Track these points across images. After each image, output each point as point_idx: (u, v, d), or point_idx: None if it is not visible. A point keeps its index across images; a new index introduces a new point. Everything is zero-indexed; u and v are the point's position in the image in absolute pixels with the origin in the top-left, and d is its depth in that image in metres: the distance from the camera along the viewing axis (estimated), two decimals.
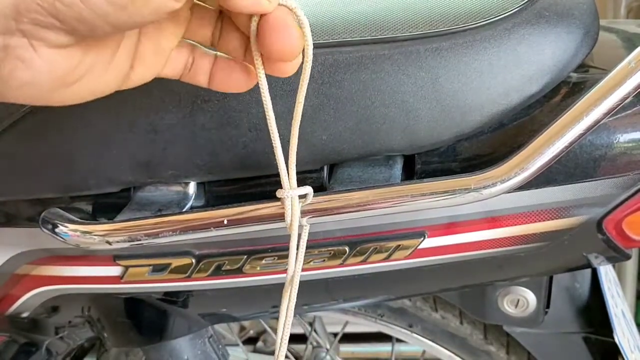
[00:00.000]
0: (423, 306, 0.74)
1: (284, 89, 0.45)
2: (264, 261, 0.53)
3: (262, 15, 0.34)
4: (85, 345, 0.79)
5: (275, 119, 0.42)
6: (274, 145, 0.40)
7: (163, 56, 0.37)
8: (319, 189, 0.46)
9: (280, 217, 0.43)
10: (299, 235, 0.43)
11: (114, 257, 0.53)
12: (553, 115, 0.43)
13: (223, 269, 0.53)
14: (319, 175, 0.49)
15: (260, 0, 0.32)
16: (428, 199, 0.44)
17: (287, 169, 0.41)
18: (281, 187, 0.41)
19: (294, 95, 0.44)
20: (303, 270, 0.44)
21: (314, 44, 0.44)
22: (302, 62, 0.37)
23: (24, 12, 0.29)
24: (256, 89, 0.44)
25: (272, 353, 1.13)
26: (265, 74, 0.37)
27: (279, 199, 0.42)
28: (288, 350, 0.92)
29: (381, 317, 0.75)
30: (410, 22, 0.45)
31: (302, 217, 0.44)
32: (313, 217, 0.45)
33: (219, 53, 0.39)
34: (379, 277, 0.54)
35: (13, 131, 0.48)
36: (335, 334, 1.02)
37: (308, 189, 0.42)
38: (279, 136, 0.42)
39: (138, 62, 0.36)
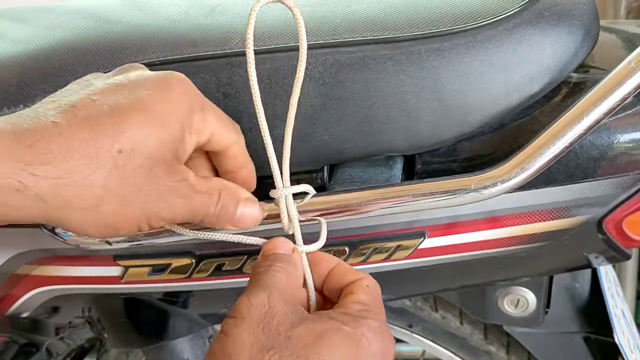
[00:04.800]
0: (423, 306, 0.74)
1: (284, 89, 0.45)
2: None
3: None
4: (86, 346, 0.79)
5: (276, 119, 0.43)
6: (265, 143, 0.40)
7: None
8: (320, 189, 0.46)
9: (276, 217, 0.43)
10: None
11: (114, 257, 0.53)
12: (553, 116, 0.43)
13: (223, 269, 0.53)
14: (319, 175, 0.49)
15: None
16: (428, 199, 0.44)
17: (280, 168, 0.41)
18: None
19: (290, 96, 0.44)
20: None
21: (314, 44, 0.44)
22: (298, 62, 0.38)
23: None
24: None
25: None
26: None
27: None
28: None
29: None
30: (411, 22, 0.45)
31: (302, 216, 0.44)
32: (313, 217, 0.44)
33: None
34: (379, 277, 0.53)
35: None
36: None
37: (305, 187, 0.42)
38: (280, 137, 0.42)
39: None
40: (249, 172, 0.43)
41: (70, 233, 0.47)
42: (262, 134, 0.40)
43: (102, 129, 0.33)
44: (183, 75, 0.39)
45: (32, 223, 0.34)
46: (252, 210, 0.41)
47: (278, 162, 0.41)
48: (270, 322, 0.35)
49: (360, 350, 0.36)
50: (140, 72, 0.38)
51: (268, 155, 0.40)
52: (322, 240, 0.43)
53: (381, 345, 0.37)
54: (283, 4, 0.38)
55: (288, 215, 0.42)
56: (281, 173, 0.41)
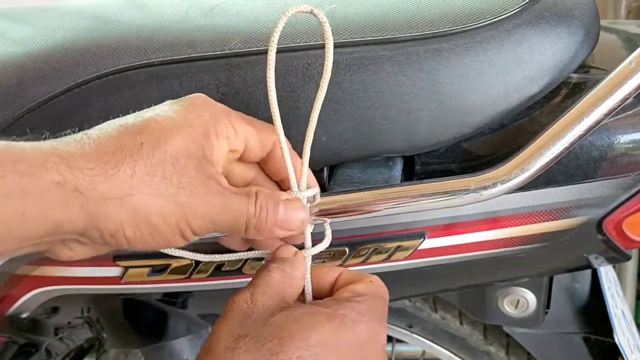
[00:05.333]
0: (423, 306, 0.74)
1: (284, 89, 0.44)
2: (263, 262, 0.52)
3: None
4: (85, 346, 0.79)
5: (282, 121, 0.42)
6: (281, 147, 0.40)
7: None
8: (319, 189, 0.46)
9: None
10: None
11: (114, 258, 0.53)
12: (553, 116, 0.43)
13: (223, 269, 0.53)
14: (319, 176, 0.49)
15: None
16: (428, 200, 0.44)
17: (296, 171, 0.41)
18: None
19: (293, 96, 0.44)
20: None
21: (313, 45, 0.44)
22: (324, 64, 0.39)
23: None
24: (256, 89, 0.44)
25: None
26: None
27: None
28: None
29: None
30: (410, 23, 0.45)
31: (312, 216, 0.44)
32: (313, 218, 0.44)
33: None
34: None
35: (13, 132, 0.48)
36: None
37: (316, 190, 0.42)
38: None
39: None
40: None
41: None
42: (279, 139, 0.40)
43: (124, 130, 0.36)
44: (204, 95, 0.40)
45: (74, 233, 0.35)
46: (295, 210, 0.39)
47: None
48: (251, 315, 0.36)
49: (341, 330, 0.35)
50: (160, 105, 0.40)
51: (284, 159, 0.40)
52: (327, 241, 0.43)
53: (369, 330, 0.36)
54: (315, 16, 0.39)
55: None
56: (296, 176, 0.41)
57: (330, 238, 0.43)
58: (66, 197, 0.33)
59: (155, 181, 0.35)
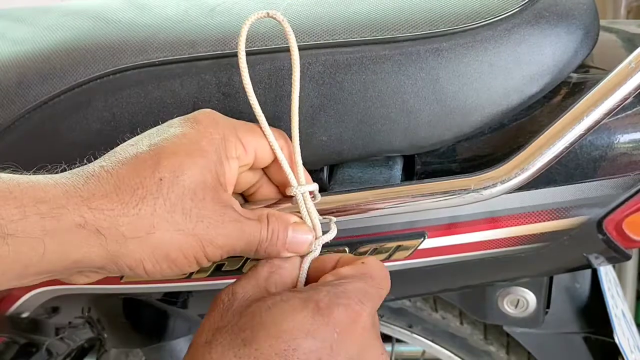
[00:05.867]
0: (423, 306, 0.74)
1: (285, 89, 0.45)
2: None
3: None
4: (85, 346, 0.79)
5: (277, 119, 0.43)
6: (270, 144, 0.40)
7: None
8: (320, 189, 0.46)
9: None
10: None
11: None
12: (553, 116, 0.43)
13: (223, 269, 0.53)
14: (319, 175, 0.49)
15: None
16: (428, 200, 0.44)
17: (293, 167, 0.41)
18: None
19: (288, 97, 0.44)
20: None
21: (313, 44, 0.44)
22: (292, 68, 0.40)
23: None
24: (256, 88, 0.44)
25: None
26: None
27: (289, 199, 0.42)
28: None
29: (381, 318, 0.75)
30: (410, 22, 0.45)
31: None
32: (325, 216, 0.44)
33: None
34: None
35: (14, 132, 0.48)
36: None
37: (315, 186, 0.43)
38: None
39: None
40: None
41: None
42: (267, 138, 0.41)
43: (142, 163, 0.36)
44: (208, 109, 0.40)
45: (92, 268, 0.36)
46: (303, 233, 0.41)
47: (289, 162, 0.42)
48: (230, 307, 0.36)
49: (316, 316, 0.34)
50: (169, 121, 0.40)
51: (277, 157, 0.41)
52: (333, 231, 0.43)
53: (347, 312, 0.35)
54: (274, 19, 0.40)
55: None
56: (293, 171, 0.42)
57: (335, 232, 0.43)
58: (87, 237, 0.34)
59: (175, 217, 0.36)
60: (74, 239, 0.33)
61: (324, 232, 0.42)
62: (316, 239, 0.42)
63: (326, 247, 0.50)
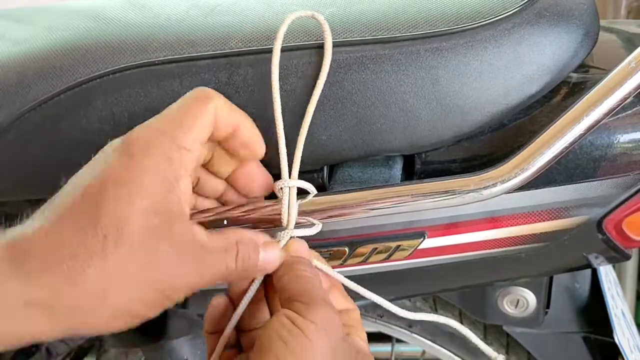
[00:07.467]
0: (423, 306, 0.74)
1: (283, 88, 0.44)
2: None
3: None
4: (85, 346, 0.79)
5: (272, 119, 0.42)
6: (277, 134, 0.40)
7: None
8: (320, 189, 0.46)
9: (278, 214, 0.43)
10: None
11: None
12: (553, 116, 0.43)
13: None
14: (319, 175, 0.49)
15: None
16: (428, 200, 0.44)
17: (290, 161, 0.41)
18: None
19: (293, 95, 0.44)
20: None
21: (312, 44, 0.44)
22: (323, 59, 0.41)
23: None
24: (256, 88, 0.44)
25: None
26: None
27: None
28: None
29: (381, 317, 0.75)
30: (410, 22, 0.45)
31: (301, 217, 0.44)
32: (308, 220, 0.44)
33: None
34: (379, 278, 0.54)
35: (14, 131, 0.48)
36: None
37: (309, 186, 0.43)
38: (285, 134, 0.42)
39: None
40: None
41: None
42: (276, 126, 0.41)
43: (81, 218, 0.32)
44: (144, 126, 0.36)
45: (49, 338, 0.33)
46: (273, 253, 0.39)
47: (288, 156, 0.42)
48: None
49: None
50: (108, 145, 0.36)
51: (279, 148, 0.41)
52: (310, 230, 0.43)
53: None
54: (316, 19, 0.41)
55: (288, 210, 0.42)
56: (290, 167, 0.42)
57: (313, 231, 0.43)
58: (36, 315, 0.31)
59: (127, 273, 0.32)
60: (22, 318, 0.31)
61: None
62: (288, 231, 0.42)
63: (326, 247, 0.51)
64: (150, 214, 0.33)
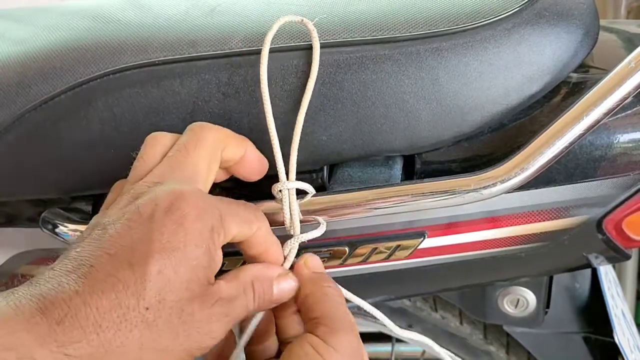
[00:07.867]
0: (423, 306, 0.74)
1: (283, 88, 0.45)
2: None
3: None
4: None
5: (275, 119, 0.42)
6: (271, 137, 0.40)
7: None
8: (320, 189, 0.46)
9: (279, 213, 0.43)
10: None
11: None
12: (553, 116, 0.43)
13: (223, 268, 0.53)
14: (319, 175, 0.49)
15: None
16: (428, 199, 0.44)
17: (286, 163, 0.41)
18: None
19: (293, 95, 0.44)
20: None
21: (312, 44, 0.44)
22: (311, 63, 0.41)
23: None
24: (257, 88, 0.45)
25: None
26: None
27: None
28: None
29: None
30: (410, 22, 0.45)
31: (305, 216, 0.44)
32: (313, 218, 0.44)
33: None
34: (379, 277, 0.54)
35: (14, 132, 0.48)
36: None
37: (307, 186, 0.43)
38: (280, 136, 0.42)
39: None
40: (277, 250, 0.41)
41: (70, 233, 0.47)
42: (268, 128, 0.41)
43: (124, 288, 0.31)
44: (192, 191, 0.35)
45: None
46: (288, 284, 0.40)
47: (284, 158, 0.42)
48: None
49: None
50: (148, 197, 0.35)
51: (273, 151, 0.41)
52: (316, 232, 0.43)
53: None
54: (305, 26, 0.42)
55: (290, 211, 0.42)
56: (287, 169, 0.42)
57: (323, 230, 0.43)
58: None
59: (162, 342, 0.32)
60: None
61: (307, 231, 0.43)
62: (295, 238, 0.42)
63: (326, 246, 0.51)
64: (193, 283, 0.33)
